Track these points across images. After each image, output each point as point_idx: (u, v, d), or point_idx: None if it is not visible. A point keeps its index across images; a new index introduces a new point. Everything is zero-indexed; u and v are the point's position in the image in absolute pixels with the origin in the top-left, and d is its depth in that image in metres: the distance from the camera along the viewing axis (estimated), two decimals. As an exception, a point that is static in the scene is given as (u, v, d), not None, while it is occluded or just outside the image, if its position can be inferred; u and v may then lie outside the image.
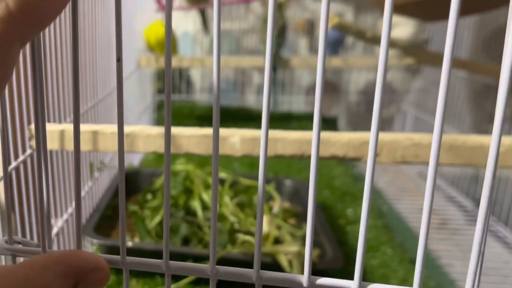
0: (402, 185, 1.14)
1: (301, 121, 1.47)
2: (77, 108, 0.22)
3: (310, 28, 1.63)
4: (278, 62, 1.35)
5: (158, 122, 1.41)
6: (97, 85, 0.87)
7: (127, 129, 0.50)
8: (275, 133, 0.49)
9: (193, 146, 0.50)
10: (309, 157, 0.49)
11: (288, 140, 0.48)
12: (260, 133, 0.51)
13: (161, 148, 0.50)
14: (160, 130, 0.50)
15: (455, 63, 1.00)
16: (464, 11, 0.79)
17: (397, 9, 0.86)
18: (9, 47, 0.18)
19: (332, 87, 1.63)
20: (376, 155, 0.53)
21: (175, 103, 1.53)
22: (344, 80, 1.63)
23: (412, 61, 1.00)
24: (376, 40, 0.91)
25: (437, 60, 1.00)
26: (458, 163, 0.45)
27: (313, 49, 1.62)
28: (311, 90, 1.65)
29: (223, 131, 0.49)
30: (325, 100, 1.64)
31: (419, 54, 0.98)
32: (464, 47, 1.16)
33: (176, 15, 1.64)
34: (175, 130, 0.50)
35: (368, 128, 0.20)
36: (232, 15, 1.64)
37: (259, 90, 1.67)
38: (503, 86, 0.17)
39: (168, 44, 0.20)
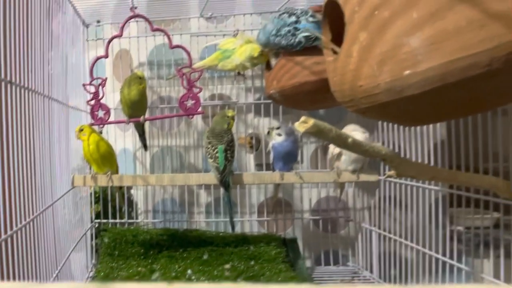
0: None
1: (257, 244, 1.31)
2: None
3: (256, 144, 1.54)
4: (230, 178, 1.21)
5: (97, 251, 1.18)
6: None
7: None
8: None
9: None
10: None
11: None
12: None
13: None
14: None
15: (435, 174, 0.92)
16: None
17: (383, 109, 0.78)
18: None
19: (285, 206, 1.50)
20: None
21: (117, 229, 1.31)
22: (296, 197, 1.52)
23: (392, 173, 0.91)
24: (357, 147, 0.80)
25: (422, 170, 0.91)
26: None
27: (260, 165, 1.51)
28: (261, 209, 1.51)
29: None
30: (280, 220, 1.51)
31: (400, 163, 0.89)
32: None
33: (113, 133, 1.49)
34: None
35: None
36: (173, 131, 1.52)
37: (208, 210, 1.50)
38: None
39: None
